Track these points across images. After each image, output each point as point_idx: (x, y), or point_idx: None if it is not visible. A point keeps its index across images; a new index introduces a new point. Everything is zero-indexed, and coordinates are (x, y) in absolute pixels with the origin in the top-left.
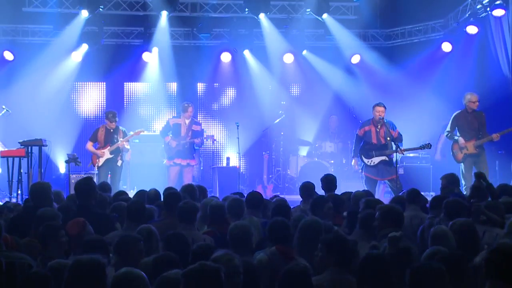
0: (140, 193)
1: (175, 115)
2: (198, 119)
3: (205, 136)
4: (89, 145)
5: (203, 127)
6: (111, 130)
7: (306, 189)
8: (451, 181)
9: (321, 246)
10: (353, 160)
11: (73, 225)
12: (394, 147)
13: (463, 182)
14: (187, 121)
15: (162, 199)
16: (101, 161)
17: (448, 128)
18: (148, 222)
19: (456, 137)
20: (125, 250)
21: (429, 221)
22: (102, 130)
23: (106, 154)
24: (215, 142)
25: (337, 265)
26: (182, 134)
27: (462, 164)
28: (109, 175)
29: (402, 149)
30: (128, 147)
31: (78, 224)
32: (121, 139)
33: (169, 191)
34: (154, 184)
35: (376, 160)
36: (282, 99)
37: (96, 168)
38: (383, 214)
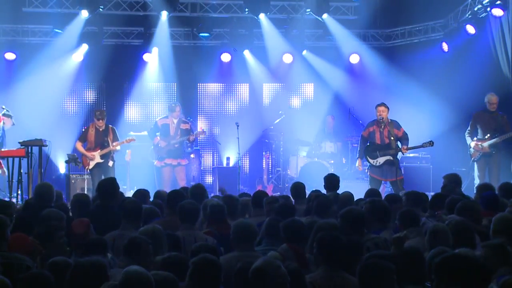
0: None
1: (165, 115)
2: (198, 120)
3: (196, 134)
4: (79, 145)
5: (203, 127)
6: (101, 130)
7: (297, 189)
8: (452, 180)
9: (315, 244)
10: (358, 161)
11: (79, 225)
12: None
13: (476, 181)
14: (175, 121)
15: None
16: (91, 164)
17: (469, 128)
18: (150, 221)
19: (470, 140)
20: (135, 252)
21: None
22: (92, 130)
23: (96, 158)
24: (219, 145)
25: (327, 262)
26: (171, 134)
27: (475, 163)
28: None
29: (404, 147)
30: (118, 148)
31: (84, 224)
32: (111, 141)
33: (173, 190)
34: (154, 184)
35: (381, 160)
36: (282, 99)
37: (87, 170)
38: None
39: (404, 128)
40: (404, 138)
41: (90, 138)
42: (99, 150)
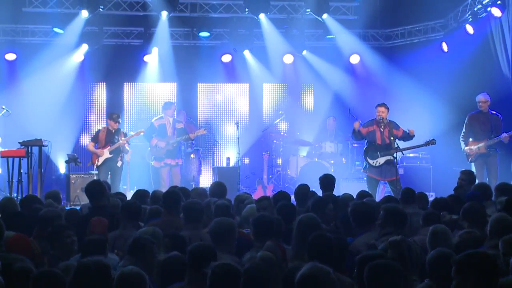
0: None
1: (161, 115)
2: (198, 120)
3: (197, 132)
4: (90, 146)
5: (202, 126)
6: (113, 131)
7: (301, 193)
8: (469, 177)
9: (307, 246)
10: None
11: (98, 225)
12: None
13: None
14: (170, 120)
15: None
16: (100, 160)
17: (464, 130)
18: (148, 221)
19: (464, 145)
20: (139, 252)
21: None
22: (104, 131)
23: (105, 153)
24: (217, 142)
25: (311, 259)
26: (169, 134)
27: (473, 164)
28: (109, 175)
29: (401, 148)
30: (128, 148)
31: (103, 224)
32: (122, 139)
33: (169, 190)
34: (151, 185)
35: (381, 160)
36: (282, 99)
37: (95, 167)
38: (387, 214)
39: (404, 128)
40: (404, 136)
41: (101, 138)
42: (109, 147)
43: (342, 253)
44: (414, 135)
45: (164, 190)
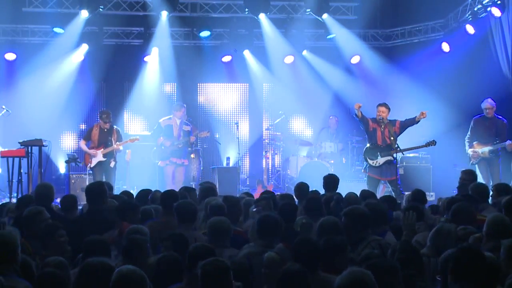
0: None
1: (170, 116)
2: (198, 120)
3: (199, 134)
4: (82, 144)
5: (203, 127)
6: (105, 130)
7: (300, 189)
8: (472, 179)
9: (292, 249)
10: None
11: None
12: (396, 147)
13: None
14: (178, 121)
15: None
16: (93, 162)
17: (469, 133)
18: (146, 221)
19: (468, 147)
20: (135, 252)
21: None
22: (96, 129)
23: (99, 155)
24: (219, 145)
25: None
26: (175, 135)
27: (476, 166)
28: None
29: (401, 148)
30: (121, 147)
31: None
32: (114, 141)
33: (166, 191)
34: (154, 184)
35: (381, 160)
36: (282, 99)
37: (88, 168)
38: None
39: (405, 129)
40: (405, 123)
41: (93, 137)
42: (103, 149)
43: (336, 253)
44: (423, 117)
45: (169, 188)
